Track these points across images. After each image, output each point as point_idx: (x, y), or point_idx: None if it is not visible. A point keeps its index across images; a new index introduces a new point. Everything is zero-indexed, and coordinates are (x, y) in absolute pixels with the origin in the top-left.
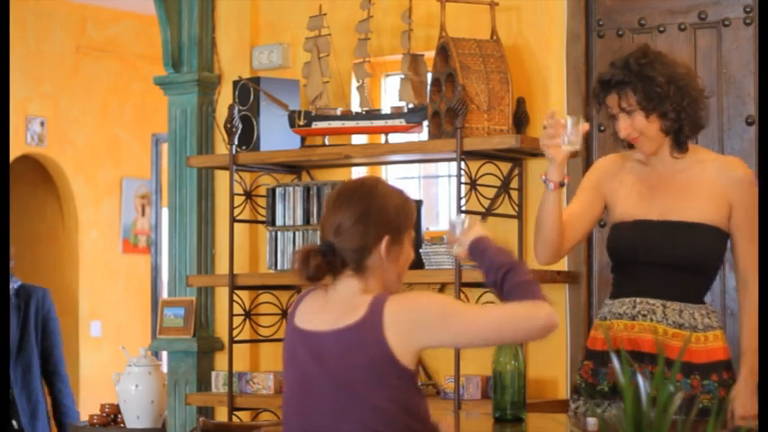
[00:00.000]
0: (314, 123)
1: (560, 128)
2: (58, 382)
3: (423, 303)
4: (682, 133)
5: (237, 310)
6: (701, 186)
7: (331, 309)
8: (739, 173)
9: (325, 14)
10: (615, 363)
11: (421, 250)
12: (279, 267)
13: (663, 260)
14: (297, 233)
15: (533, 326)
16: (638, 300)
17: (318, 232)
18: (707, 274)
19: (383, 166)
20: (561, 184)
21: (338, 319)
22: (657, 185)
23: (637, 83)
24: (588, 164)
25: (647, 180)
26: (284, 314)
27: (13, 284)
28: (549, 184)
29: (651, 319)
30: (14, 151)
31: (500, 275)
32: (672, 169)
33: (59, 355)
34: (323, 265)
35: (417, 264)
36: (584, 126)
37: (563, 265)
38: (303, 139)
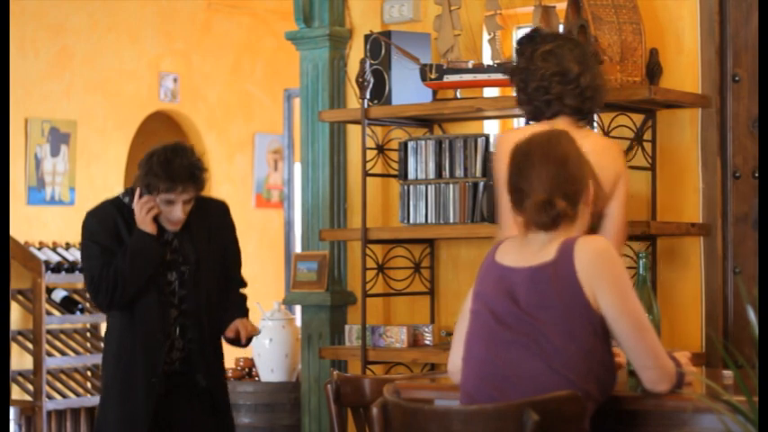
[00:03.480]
0: (445, 77)
1: None
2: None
3: (610, 259)
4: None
5: (370, 263)
6: None
7: (528, 250)
8: None
9: None
10: None
11: None
12: (411, 221)
13: None
14: (429, 186)
15: (658, 364)
16: None
17: (510, 192)
18: None
19: (515, 119)
20: None
21: (533, 257)
22: None
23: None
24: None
25: None
26: (416, 268)
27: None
28: None
29: None
30: (148, 108)
31: None
32: None
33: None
34: (566, 211)
35: None
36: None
37: (697, 217)
38: (435, 93)
